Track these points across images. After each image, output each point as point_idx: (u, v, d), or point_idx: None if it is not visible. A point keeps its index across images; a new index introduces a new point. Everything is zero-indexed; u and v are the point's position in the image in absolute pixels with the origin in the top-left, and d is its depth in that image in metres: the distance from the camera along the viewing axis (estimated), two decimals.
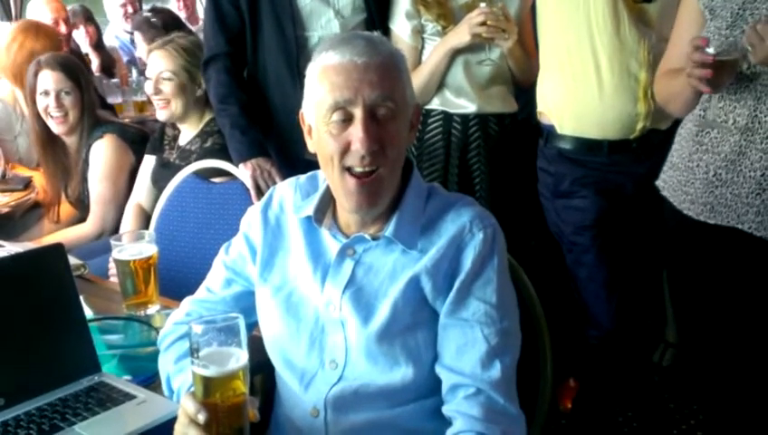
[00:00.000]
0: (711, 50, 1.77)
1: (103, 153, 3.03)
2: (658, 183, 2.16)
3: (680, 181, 2.06)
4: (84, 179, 3.10)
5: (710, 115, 1.94)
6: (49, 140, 3.15)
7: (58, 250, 1.63)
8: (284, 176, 2.36)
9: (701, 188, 1.99)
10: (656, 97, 2.18)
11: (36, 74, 3.04)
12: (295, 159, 2.50)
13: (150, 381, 1.60)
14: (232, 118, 2.51)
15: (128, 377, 1.62)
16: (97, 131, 3.07)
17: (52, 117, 3.04)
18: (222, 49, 2.56)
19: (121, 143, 3.07)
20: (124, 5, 5.54)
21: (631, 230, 2.58)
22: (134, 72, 4.82)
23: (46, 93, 3.02)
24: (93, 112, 3.14)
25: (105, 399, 1.49)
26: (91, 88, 3.21)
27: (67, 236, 3.02)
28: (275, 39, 2.50)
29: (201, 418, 1.19)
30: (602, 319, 2.63)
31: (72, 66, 3.11)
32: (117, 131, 3.11)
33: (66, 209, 3.29)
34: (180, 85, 2.70)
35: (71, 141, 3.14)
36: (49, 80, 3.02)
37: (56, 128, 3.07)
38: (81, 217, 3.17)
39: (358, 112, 1.35)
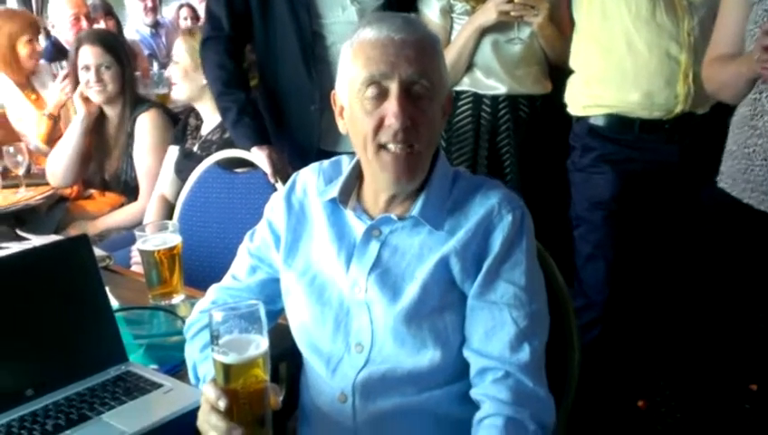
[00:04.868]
0: None
1: (150, 125, 3.10)
2: (719, 176, 2.08)
3: (739, 169, 1.99)
4: (127, 155, 3.13)
5: None
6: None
7: (83, 241, 1.63)
8: (296, 166, 2.37)
9: (761, 175, 1.92)
10: (705, 85, 2.12)
11: (77, 50, 3.12)
12: (308, 149, 2.50)
13: (177, 369, 1.60)
14: (239, 103, 2.51)
15: (154, 366, 1.62)
16: (141, 106, 3.14)
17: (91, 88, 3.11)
18: (226, 31, 2.55)
19: (166, 118, 3.14)
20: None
21: (647, 219, 2.53)
22: (155, 66, 4.84)
23: (87, 68, 3.09)
24: (135, 88, 3.22)
25: (132, 388, 1.50)
26: (133, 64, 3.30)
27: (121, 215, 3.14)
28: (289, 27, 2.47)
29: (222, 404, 1.19)
30: (595, 300, 2.54)
31: (112, 41, 3.19)
32: (161, 107, 3.21)
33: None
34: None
35: (112, 114, 3.19)
36: (89, 55, 3.07)
37: (95, 96, 3.12)
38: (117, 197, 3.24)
39: (393, 87, 1.33)
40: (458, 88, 2.60)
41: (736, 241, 2.06)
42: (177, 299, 1.97)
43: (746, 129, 1.97)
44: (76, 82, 3.16)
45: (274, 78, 2.59)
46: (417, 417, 1.40)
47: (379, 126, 1.35)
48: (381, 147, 1.36)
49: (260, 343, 1.21)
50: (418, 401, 1.39)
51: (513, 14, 2.44)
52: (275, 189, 2.39)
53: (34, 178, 3.39)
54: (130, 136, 3.11)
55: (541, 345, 1.37)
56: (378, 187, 1.43)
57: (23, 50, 3.88)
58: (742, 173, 1.99)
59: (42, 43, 4.23)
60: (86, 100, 3.14)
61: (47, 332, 1.51)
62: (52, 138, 3.82)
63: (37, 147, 3.78)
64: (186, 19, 6.37)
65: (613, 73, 2.39)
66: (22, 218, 3.17)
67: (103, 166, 3.24)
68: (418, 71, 1.33)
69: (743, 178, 1.99)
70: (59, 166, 3.23)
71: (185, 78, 2.76)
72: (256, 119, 2.51)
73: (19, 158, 3.27)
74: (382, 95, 1.34)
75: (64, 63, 3.86)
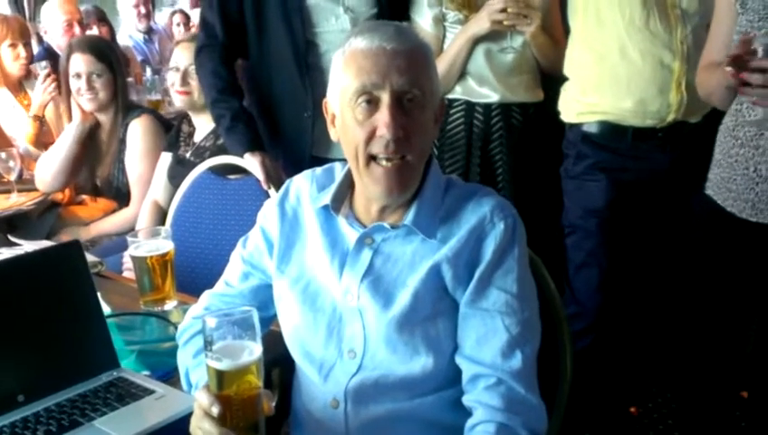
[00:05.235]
0: (759, 49, 1.71)
1: (142, 131, 3.08)
2: (707, 183, 2.10)
3: (723, 178, 2.02)
4: (119, 161, 3.12)
5: (761, 114, 1.87)
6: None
7: (75, 247, 1.63)
8: (289, 173, 2.37)
9: (742, 184, 1.95)
10: (699, 91, 2.13)
11: (69, 58, 3.10)
12: (301, 156, 2.49)
13: (169, 376, 1.59)
14: (233, 111, 2.50)
15: (146, 372, 1.61)
16: (133, 112, 3.13)
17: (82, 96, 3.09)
18: (220, 39, 2.54)
19: (158, 124, 3.13)
20: (137, 6, 5.56)
21: (640, 226, 2.53)
22: (148, 72, 4.84)
23: (78, 76, 3.07)
24: (127, 95, 3.21)
25: (124, 394, 1.49)
26: (124, 71, 3.27)
27: (113, 221, 3.13)
28: (283, 37, 2.47)
29: (215, 411, 1.19)
30: (588, 308, 2.54)
31: (104, 48, 3.17)
32: (153, 113, 3.20)
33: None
34: None
35: (105, 120, 3.17)
36: (80, 62, 3.06)
37: (87, 105, 3.10)
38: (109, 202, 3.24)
39: (385, 97, 1.33)
40: (451, 96, 2.60)
41: (726, 248, 2.08)
42: (170, 305, 1.97)
43: (729, 138, 1.99)
44: (68, 89, 3.15)
45: (268, 86, 2.58)
46: (409, 423, 1.40)
47: (370, 137, 1.35)
48: (372, 158, 1.36)
49: (253, 350, 1.22)
50: (410, 406, 1.39)
51: (505, 23, 2.44)
52: (268, 196, 2.39)
53: (26, 183, 3.38)
54: (122, 142, 3.10)
55: (533, 353, 1.37)
56: (369, 197, 1.43)
57: (5, 54, 3.88)
58: (726, 182, 2.01)
59: (35, 48, 4.22)
60: (83, 110, 3.13)
61: (39, 337, 1.51)
62: (40, 139, 3.82)
63: (27, 149, 3.77)
64: (179, 25, 6.38)
65: (607, 80, 2.40)
66: (13, 224, 3.17)
67: (95, 172, 3.23)
68: (410, 80, 1.34)
69: (726, 187, 2.01)
70: (48, 171, 3.22)
71: None
72: (250, 126, 2.51)
73: (11, 163, 3.27)
74: (374, 105, 1.34)
75: (44, 63, 3.84)
